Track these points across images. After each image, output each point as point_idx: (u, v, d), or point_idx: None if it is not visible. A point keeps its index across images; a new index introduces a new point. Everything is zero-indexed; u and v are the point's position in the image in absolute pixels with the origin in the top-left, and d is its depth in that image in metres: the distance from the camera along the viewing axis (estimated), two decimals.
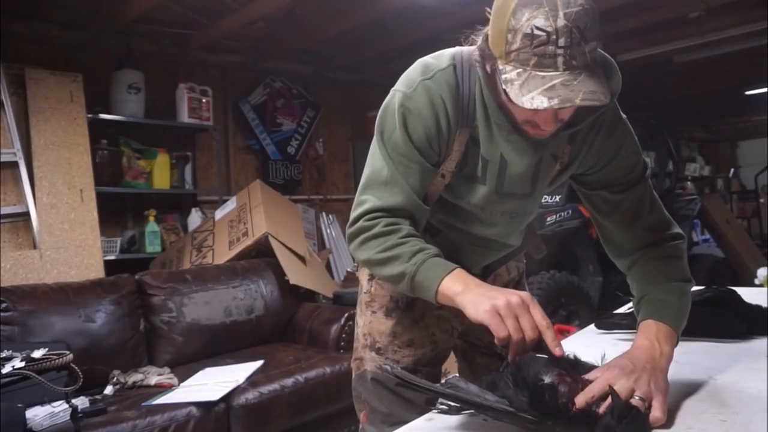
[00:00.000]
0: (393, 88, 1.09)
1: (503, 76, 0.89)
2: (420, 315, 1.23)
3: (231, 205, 3.91)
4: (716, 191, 8.74)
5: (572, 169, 1.15)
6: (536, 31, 0.84)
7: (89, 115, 3.55)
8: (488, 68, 0.98)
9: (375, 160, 1.08)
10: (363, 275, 1.30)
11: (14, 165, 3.24)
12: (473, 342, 1.36)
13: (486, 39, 0.95)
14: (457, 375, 1.09)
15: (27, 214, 3.20)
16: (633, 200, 1.12)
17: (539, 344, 0.89)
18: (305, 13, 3.89)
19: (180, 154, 4.20)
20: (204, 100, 4.17)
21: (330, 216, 5.25)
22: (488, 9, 0.97)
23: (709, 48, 4.76)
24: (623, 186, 1.12)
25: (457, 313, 1.24)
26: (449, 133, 1.06)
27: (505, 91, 0.91)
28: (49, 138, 3.35)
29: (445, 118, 1.05)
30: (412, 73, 1.07)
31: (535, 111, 0.90)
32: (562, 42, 0.84)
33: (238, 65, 4.70)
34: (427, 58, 1.09)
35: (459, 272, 0.97)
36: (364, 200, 1.07)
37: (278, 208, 3.87)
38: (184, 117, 4.08)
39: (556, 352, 0.88)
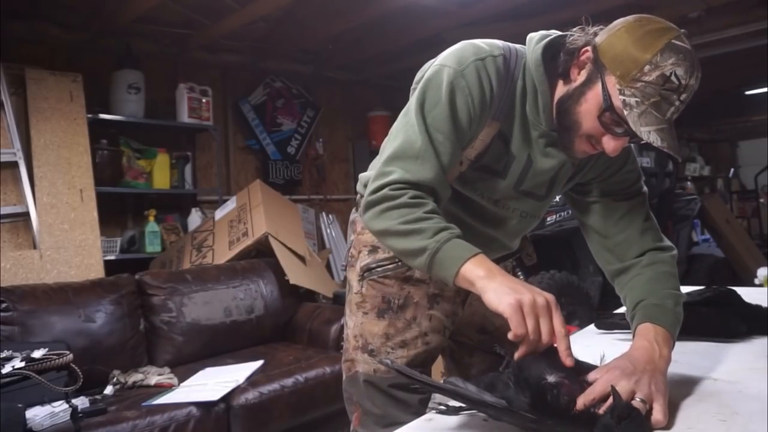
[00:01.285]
0: (438, 63, 1.06)
1: (622, 98, 0.93)
2: (412, 316, 1.22)
3: (231, 205, 3.91)
4: (716, 191, 8.73)
5: (580, 176, 1.17)
6: (673, 77, 0.91)
7: (89, 115, 3.55)
8: (578, 75, 1.01)
9: (408, 132, 1.04)
10: (352, 275, 1.27)
11: (14, 165, 3.24)
12: (462, 341, 1.35)
13: (595, 49, 0.97)
14: (456, 376, 1.09)
15: (27, 214, 3.20)
16: (630, 209, 1.16)
17: (548, 348, 0.89)
18: (305, 13, 3.88)
19: (180, 154, 4.20)
20: (204, 100, 4.17)
21: (330, 216, 5.25)
22: (589, 21, 1.02)
23: (709, 48, 4.76)
24: (624, 196, 1.16)
25: (449, 313, 1.24)
26: (483, 120, 1.06)
27: (607, 106, 0.95)
28: (49, 138, 3.35)
29: (489, 102, 1.05)
30: (464, 51, 1.06)
31: (613, 134, 0.97)
32: (683, 97, 0.92)
33: (238, 65, 4.70)
34: (477, 42, 1.08)
35: (483, 257, 0.95)
36: (391, 171, 1.02)
37: (278, 208, 3.87)
38: (184, 117, 4.08)
39: (567, 362, 0.88)
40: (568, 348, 0.89)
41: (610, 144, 0.98)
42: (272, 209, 3.75)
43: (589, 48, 0.99)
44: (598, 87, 0.96)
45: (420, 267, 0.99)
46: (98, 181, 3.52)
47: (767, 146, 8.11)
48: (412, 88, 1.15)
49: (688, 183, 8.22)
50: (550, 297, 0.90)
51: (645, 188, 1.20)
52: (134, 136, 4.01)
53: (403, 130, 1.05)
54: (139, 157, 3.94)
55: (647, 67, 0.91)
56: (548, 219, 4.12)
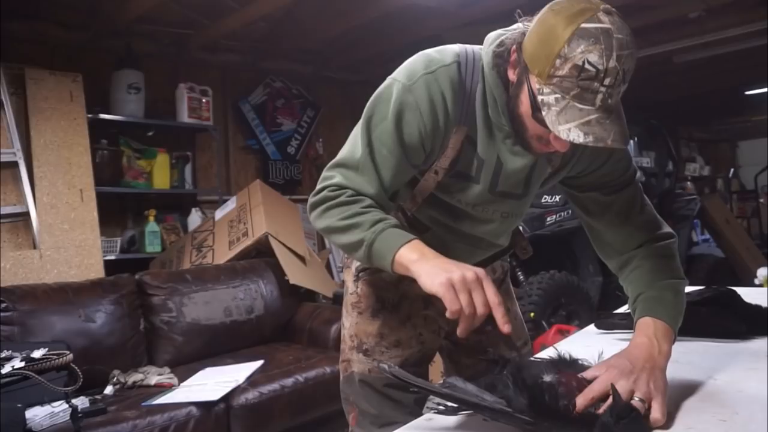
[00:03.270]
0: (391, 77, 1.07)
1: (541, 98, 0.90)
2: (407, 315, 1.22)
3: (231, 205, 3.91)
4: (716, 191, 8.73)
5: (564, 172, 1.15)
6: (587, 66, 0.85)
7: (89, 115, 3.55)
8: (513, 76, 0.98)
9: (353, 143, 1.07)
10: (349, 276, 1.28)
11: (14, 165, 3.24)
12: (459, 341, 1.35)
13: (520, 48, 0.95)
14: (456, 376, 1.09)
15: (27, 214, 3.20)
16: (624, 201, 1.13)
17: (490, 319, 0.90)
18: (305, 13, 3.88)
19: (180, 154, 4.20)
20: (204, 100, 4.17)
21: None
22: (523, 16, 0.98)
23: (709, 48, 4.76)
24: (614, 188, 1.13)
25: (443, 313, 1.24)
26: (446, 131, 1.05)
27: (535, 107, 0.92)
28: (49, 138, 3.35)
29: (444, 115, 1.03)
30: (414, 65, 1.05)
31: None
32: (607, 81, 0.85)
33: (238, 65, 4.70)
34: (431, 52, 1.07)
35: (417, 242, 0.98)
36: (332, 176, 1.08)
37: (278, 208, 3.87)
38: (184, 117, 4.08)
39: (505, 329, 0.89)
40: (504, 315, 0.89)
41: (556, 142, 0.94)
42: (272, 209, 3.75)
43: (515, 48, 0.96)
44: (526, 88, 0.93)
45: (361, 259, 1.03)
46: (98, 181, 3.51)
47: (767, 146, 8.11)
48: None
49: (688, 183, 8.22)
50: (480, 270, 0.91)
51: (638, 174, 1.16)
52: (134, 136, 4.01)
53: (351, 140, 1.09)
54: (139, 157, 3.94)
55: (558, 61, 0.86)
56: (548, 219, 4.12)
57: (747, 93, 7.00)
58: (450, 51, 1.06)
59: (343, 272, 1.34)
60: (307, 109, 5.21)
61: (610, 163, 1.11)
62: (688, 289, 1.52)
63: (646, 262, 1.10)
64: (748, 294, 1.49)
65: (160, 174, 3.98)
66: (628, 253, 1.13)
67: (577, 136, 0.86)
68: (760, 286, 3.36)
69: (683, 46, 4.70)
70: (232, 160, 4.77)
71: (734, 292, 1.43)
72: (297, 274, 3.49)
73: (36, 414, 2.09)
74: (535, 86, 0.91)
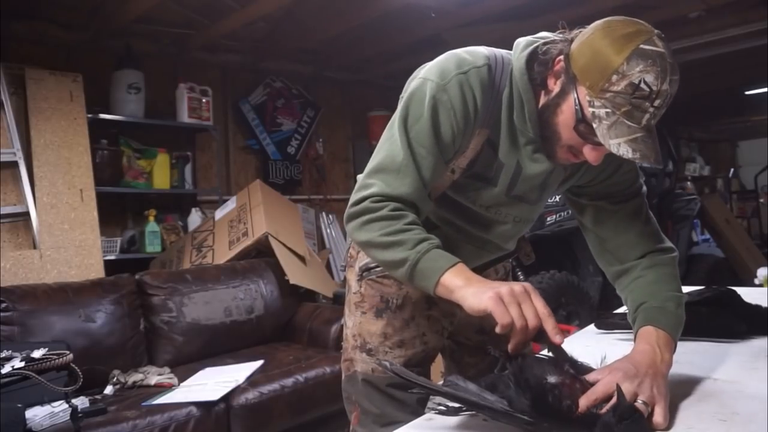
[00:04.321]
0: (421, 77, 1.06)
1: (591, 110, 0.92)
2: (410, 315, 1.22)
3: (231, 205, 3.91)
4: (716, 191, 8.72)
5: (574, 179, 1.17)
6: (643, 85, 0.88)
7: (89, 115, 3.55)
8: (554, 85, 0.99)
9: (392, 146, 1.05)
10: (351, 275, 1.28)
11: (14, 165, 3.24)
12: (462, 341, 1.36)
13: (567, 59, 0.96)
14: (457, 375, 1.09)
15: (27, 214, 3.20)
16: (630, 210, 1.15)
17: (540, 333, 0.89)
18: (305, 13, 3.88)
19: (180, 154, 4.20)
20: (204, 100, 4.17)
21: (330, 216, 5.25)
22: (566, 27, 1.01)
23: (709, 48, 4.76)
24: (622, 197, 1.15)
25: (447, 314, 1.25)
26: (472, 131, 1.06)
27: (579, 118, 0.93)
28: (49, 138, 3.35)
29: (473, 115, 1.04)
30: (446, 64, 1.05)
31: (592, 144, 0.96)
32: (656, 103, 0.89)
33: (238, 65, 4.70)
34: (461, 53, 1.07)
35: (462, 267, 0.97)
36: (372, 183, 1.04)
37: (278, 208, 3.87)
38: (184, 117, 4.08)
39: (556, 340, 0.89)
40: (555, 327, 0.89)
41: (590, 154, 0.98)
42: (272, 209, 3.75)
43: (561, 57, 0.98)
44: (571, 98, 0.95)
45: (402, 277, 1.01)
46: (98, 181, 3.51)
47: (767, 146, 8.10)
48: (400, 96, 1.14)
49: (688, 183, 8.21)
50: (527, 284, 0.91)
51: (645, 188, 1.19)
52: (134, 136, 4.01)
53: (387, 144, 1.06)
54: (139, 157, 3.94)
55: (614, 77, 0.89)
56: (548, 219, 4.11)
57: (747, 93, 7.00)
58: (480, 53, 1.07)
59: (345, 271, 1.33)
60: (307, 109, 5.21)
61: (618, 174, 1.14)
62: (689, 289, 1.52)
63: (648, 272, 1.11)
64: (748, 294, 1.49)
65: (160, 174, 3.98)
66: (629, 263, 1.14)
67: (626, 152, 0.90)
68: (760, 286, 3.36)
69: (683, 46, 4.70)
70: (232, 160, 4.77)
71: (734, 292, 1.43)
72: (297, 274, 3.49)
73: (36, 414, 2.09)
74: (585, 98, 0.93)
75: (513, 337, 0.89)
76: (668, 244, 1.17)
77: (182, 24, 3.99)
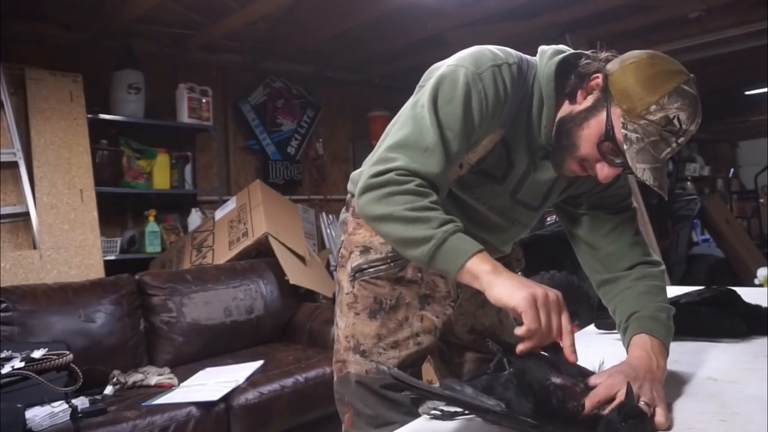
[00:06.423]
0: (453, 63, 1.05)
1: (624, 132, 0.95)
2: (404, 316, 1.22)
3: (231, 205, 3.91)
4: (716, 191, 8.73)
5: (572, 190, 1.21)
6: (676, 121, 0.94)
7: (89, 115, 3.55)
8: (585, 98, 1.02)
9: (419, 124, 1.01)
10: (343, 275, 1.26)
11: (14, 165, 3.23)
12: (452, 341, 1.35)
13: (606, 78, 0.99)
14: (451, 378, 1.09)
15: (27, 214, 3.20)
16: (622, 221, 1.19)
17: (551, 348, 0.90)
18: (305, 13, 3.88)
19: (180, 154, 4.19)
20: (204, 100, 4.17)
21: (330, 216, 5.25)
22: (616, 54, 1.04)
23: (709, 48, 4.75)
24: (615, 210, 1.20)
25: (440, 314, 1.25)
26: (492, 126, 1.07)
27: (608, 136, 0.97)
28: (49, 138, 3.35)
29: (502, 109, 1.05)
30: (481, 55, 1.05)
31: (609, 163, 1.01)
32: (681, 140, 0.95)
33: (238, 65, 4.70)
34: (493, 48, 1.08)
35: (487, 254, 0.94)
36: (396, 157, 0.99)
37: (278, 208, 3.87)
38: (184, 117, 4.07)
39: (572, 358, 0.89)
40: (573, 344, 0.89)
41: (603, 171, 1.01)
42: (272, 209, 3.75)
43: (600, 75, 1.00)
44: (603, 116, 0.98)
45: (420, 257, 0.95)
46: (98, 181, 3.51)
47: (767, 146, 8.10)
48: (418, 85, 1.13)
49: (688, 183, 8.21)
50: (559, 293, 0.91)
51: (635, 204, 1.23)
52: (134, 136, 4.01)
53: (412, 121, 1.02)
54: (139, 157, 3.94)
55: (654, 107, 0.93)
56: (548, 219, 4.11)
57: (747, 93, 7.00)
58: (511, 52, 1.09)
59: (336, 271, 1.31)
60: (307, 109, 5.21)
61: (612, 188, 1.19)
62: (689, 289, 1.52)
63: (638, 284, 1.14)
64: (748, 294, 1.49)
65: (160, 174, 3.98)
66: (617, 273, 1.17)
67: (648, 178, 0.95)
68: (760, 286, 3.36)
69: (683, 46, 4.70)
70: (232, 160, 4.76)
71: (734, 292, 1.43)
72: (297, 274, 3.49)
73: (36, 414, 2.09)
74: (618, 119, 0.96)
75: (530, 341, 0.88)
76: (655, 257, 1.20)
77: (182, 24, 3.99)
